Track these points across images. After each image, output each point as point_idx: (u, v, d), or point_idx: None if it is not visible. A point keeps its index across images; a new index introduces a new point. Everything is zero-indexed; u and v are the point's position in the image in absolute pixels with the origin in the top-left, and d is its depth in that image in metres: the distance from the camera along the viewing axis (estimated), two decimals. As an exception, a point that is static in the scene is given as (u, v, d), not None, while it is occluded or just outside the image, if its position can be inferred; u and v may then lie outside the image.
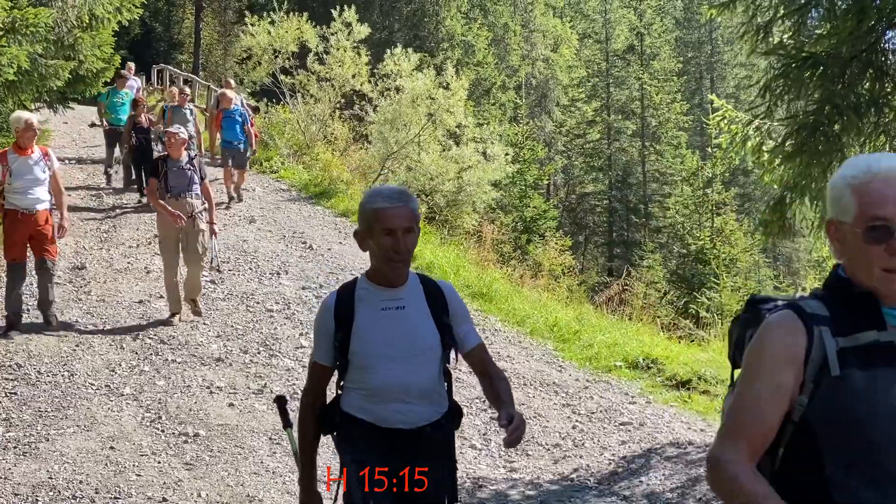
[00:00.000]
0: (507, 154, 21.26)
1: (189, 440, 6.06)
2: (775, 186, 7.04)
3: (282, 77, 20.10)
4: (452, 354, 2.97)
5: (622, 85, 35.72)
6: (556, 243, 23.97)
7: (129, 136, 13.14)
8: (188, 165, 8.35)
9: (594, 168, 35.59)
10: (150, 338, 8.05)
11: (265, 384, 7.19)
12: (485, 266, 13.80)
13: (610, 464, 6.23)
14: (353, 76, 19.36)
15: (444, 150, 19.72)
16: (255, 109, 17.45)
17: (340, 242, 12.39)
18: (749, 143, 7.06)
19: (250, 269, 10.48)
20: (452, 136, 20.17)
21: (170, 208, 8.14)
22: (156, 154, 13.60)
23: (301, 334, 8.47)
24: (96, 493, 5.19)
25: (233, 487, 5.44)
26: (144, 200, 12.85)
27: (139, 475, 5.47)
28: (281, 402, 3.38)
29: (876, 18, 5.53)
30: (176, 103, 14.65)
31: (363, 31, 19.51)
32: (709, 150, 28.72)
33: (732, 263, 25.64)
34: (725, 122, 7.37)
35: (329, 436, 3.00)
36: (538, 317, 10.38)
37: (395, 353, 2.83)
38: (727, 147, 7.41)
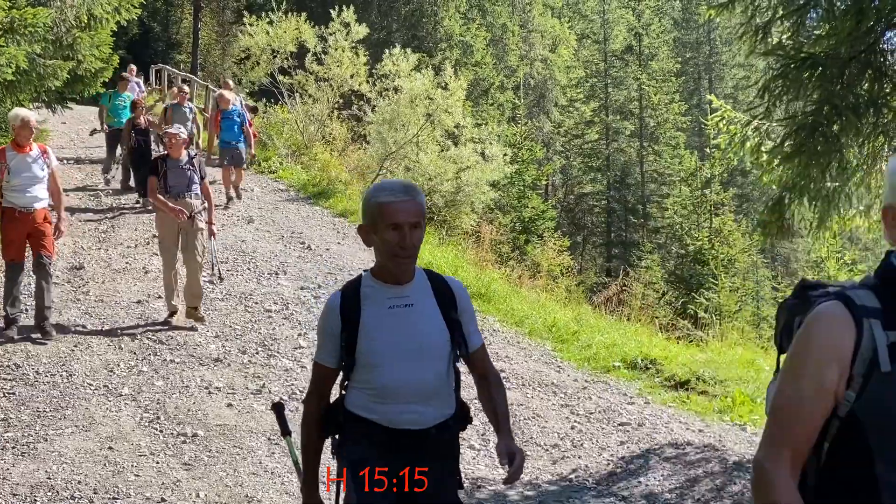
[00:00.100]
0: (505, 154, 21.27)
1: (187, 440, 6.06)
2: (774, 187, 7.05)
3: (280, 77, 20.10)
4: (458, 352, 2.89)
5: (620, 85, 35.73)
6: (554, 244, 23.97)
7: (128, 137, 13.14)
8: (188, 165, 8.33)
9: (592, 168, 35.60)
10: (148, 338, 8.05)
11: (263, 384, 7.19)
12: (483, 266, 13.80)
13: (608, 464, 6.23)
14: (352, 76, 19.37)
15: (442, 150, 19.72)
16: (254, 110, 17.43)
17: (339, 243, 12.39)
18: (748, 144, 7.06)
19: (249, 269, 10.48)
20: (451, 136, 20.17)
21: (170, 204, 8.14)
22: (155, 155, 13.63)
23: (299, 335, 8.47)
24: (95, 493, 5.18)
25: (231, 488, 5.44)
26: (142, 203, 12.86)
27: (137, 475, 5.47)
28: (279, 409, 3.31)
29: (875, 19, 5.54)
30: (176, 101, 14.65)
31: (361, 31, 19.52)
32: (707, 150, 28.73)
33: (731, 264, 25.67)
34: (724, 122, 7.37)
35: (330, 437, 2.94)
36: (537, 317, 10.38)
37: (403, 353, 2.75)
38: (726, 147, 7.42)
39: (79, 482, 5.29)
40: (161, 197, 8.19)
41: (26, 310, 8.03)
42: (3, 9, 9.14)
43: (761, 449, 1.85)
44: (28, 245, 7.66)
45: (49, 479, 5.31)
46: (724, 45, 44.45)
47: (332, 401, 2.94)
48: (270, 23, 20.31)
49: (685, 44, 46.16)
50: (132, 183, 13.64)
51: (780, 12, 6.20)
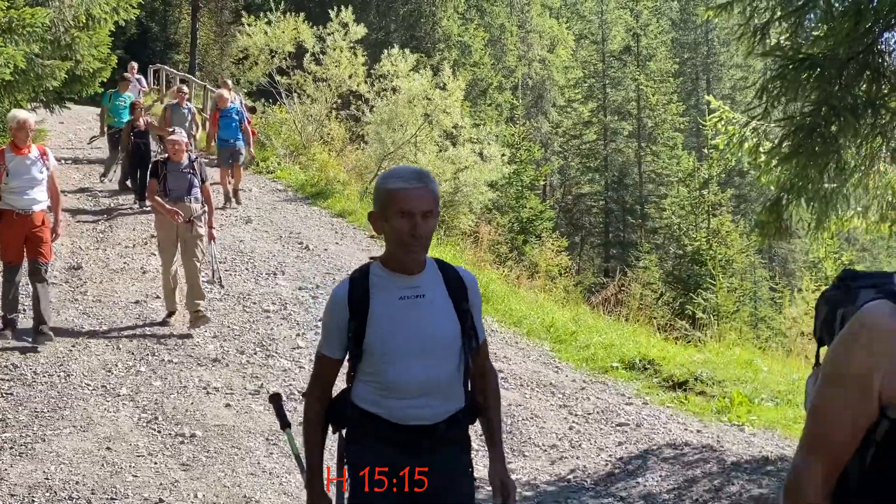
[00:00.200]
0: (503, 155, 21.30)
1: (185, 441, 6.05)
2: (772, 187, 7.06)
3: (278, 77, 20.10)
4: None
5: (618, 86, 35.76)
6: (552, 244, 24.00)
7: (127, 139, 13.12)
8: (188, 169, 8.31)
9: (590, 169, 35.63)
10: (146, 338, 8.05)
11: (262, 385, 7.18)
12: (481, 267, 13.80)
13: (607, 465, 6.23)
14: (350, 76, 19.38)
15: (440, 150, 19.74)
16: (252, 110, 17.43)
17: (337, 243, 12.39)
18: (746, 145, 7.08)
19: (247, 269, 10.47)
20: (449, 136, 20.19)
21: (167, 205, 8.13)
22: (155, 155, 13.62)
23: (298, 335, 8.46)
24: (93, 493, 5.18)
25: (229, 488, 5.43)
26: (137, 206, 12.86)
27: (136, 476, 5.46)
28: (276, 400, 3.20)
29: (873, 20, 5.55)
30: (175, 102, 14.64)
31: (360, 31, 19.54)
32: (705, 151, 28.71)
33: (728, 264, 25.72)
34: (722, 123, 7.39)
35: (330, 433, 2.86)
36: (535, 317, 10.38)
37: (414, 347, 2.65)
38: (724, 148, 7.43)
39: (77, 483, 5.29)
40: (158, 199, 8.19)
41: (24, 310, 8.02)
42: (1, 9, 9.14)
43: (799, 452, 1.80)
44: (24, 248, 7.62)
45: (47, 479, 5.30)
46: (722, 45, 44.44)
47: (336, 393, 2.84)
48: (269, 23, 20.32)
49: (683, 44, 46.16)
50: (129, 183, 13.63)
51: (779, 13, 6.21)
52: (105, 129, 14.77)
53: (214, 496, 5.31)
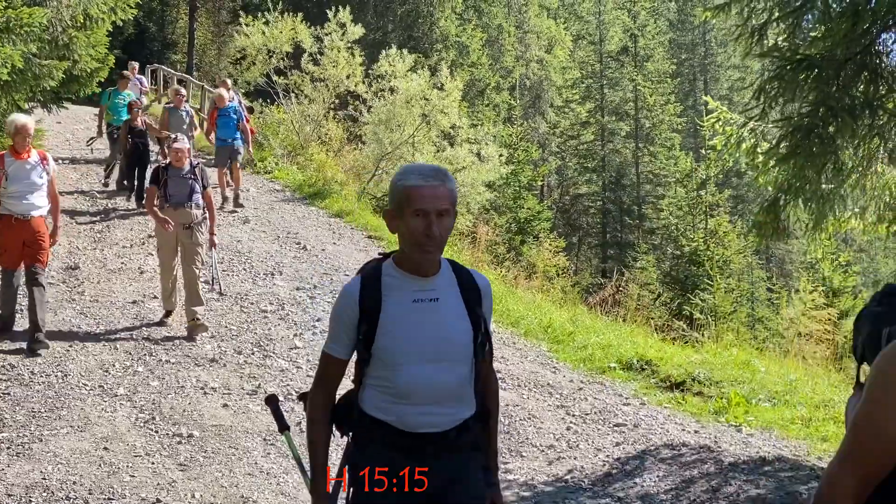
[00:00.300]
0: (501, 155, 21.30)
1: (183, 441, 6.05)
2: (769, 188, 7.08)
3: (276, 77, 20.10)
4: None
5: (616, 86, 35.78)
6: (549, 244, 24.00)
7: (125, 139, 13.11)
8: (189, 174, 8.29)
9: (588, 169, 35.64)
10: (143, 338, 8.04)
11: (259, 385, 7.18)
12: (479, 267, 13.80)
13: (604, 465, 6.23)
14: (348, 77, 19.38)
15: (438, 150, 19.74)
16: (249, 110, 17.42)
17: (335, 243, 12.39)
18: (743, 145, 7.09)
19: (244, 269, 10.47)
20: (446, 136, 20.19)
21: (160, 214, 8.11)
22: (153, 156, 13.61)
23: (295, 335, 8.46)
24: (90, 493, 5.17)
25: (227, 488, 5.43)
26: (134, 206, 12.84)
27: (133, 476, 5.46)
28: (273, 402, 3.12)
29: (870, 21, 5.56)
30: (172, 105, 14.61)
31: (357, 31, 19.54)
32: (703, 151, 28.74)
33: (726, 265, 25.73)
34: (720, 123, 7.39)
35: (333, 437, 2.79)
36: (532, 318, 10.38)
37: (427, 352, 2.57)
38: (721, 149, 7.44)
39: (74, 483, 5.28)
40: (154, 207, 8.18)
41: (21, 310, 8.00)
42: (-1, 8, 9.14)
43: (835, 461, 1.78)
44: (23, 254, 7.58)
45: (44, 479, 5.30)
46: (719, 46, 44.50)
47: (342, 394, 2.76)
48: (266, 23, 20.32)
49: (681, 45, 46.21)
50: (126, 182, 13.61)
51: (776, 14, 6.22)
52: (104, 127, 14.74)
53: (212, 496, 5.31)
